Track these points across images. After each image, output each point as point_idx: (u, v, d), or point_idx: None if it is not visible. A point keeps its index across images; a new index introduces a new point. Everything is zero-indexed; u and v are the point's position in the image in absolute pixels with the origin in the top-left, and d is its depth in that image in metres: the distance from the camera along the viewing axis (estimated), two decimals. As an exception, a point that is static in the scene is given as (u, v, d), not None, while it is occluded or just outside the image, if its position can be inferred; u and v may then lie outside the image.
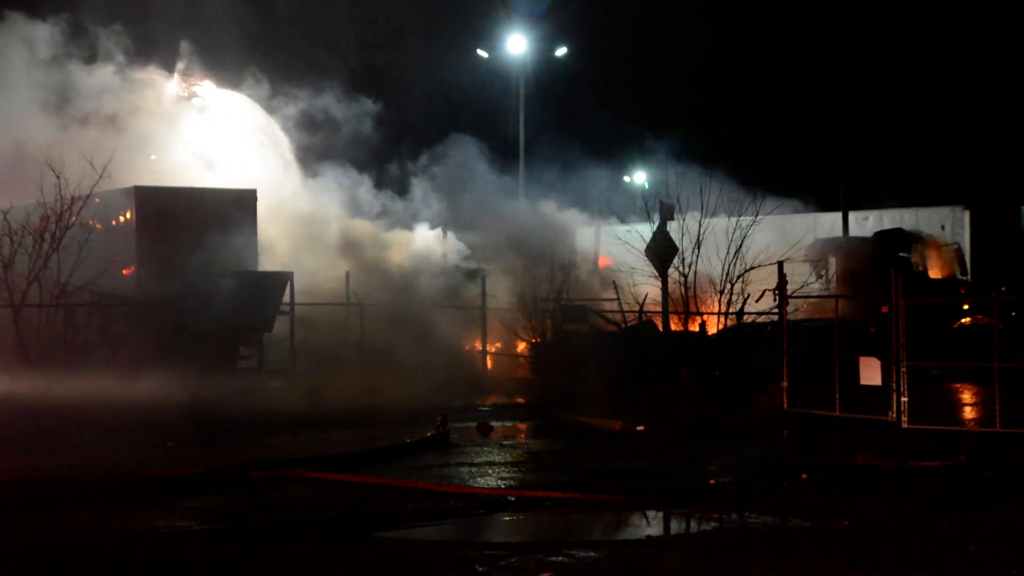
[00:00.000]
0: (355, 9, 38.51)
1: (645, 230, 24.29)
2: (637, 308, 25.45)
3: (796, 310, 22.25)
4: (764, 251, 22.62)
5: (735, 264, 22.76)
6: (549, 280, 26.32)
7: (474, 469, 15.74)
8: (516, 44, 43.11)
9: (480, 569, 10.23)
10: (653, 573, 10.18)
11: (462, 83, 44.64)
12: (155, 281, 24.28)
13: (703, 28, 57.65)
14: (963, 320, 27.03)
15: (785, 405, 20.29)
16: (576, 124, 42.25)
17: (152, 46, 30.27)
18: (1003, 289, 27.44)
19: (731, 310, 22.97)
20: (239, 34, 31.71)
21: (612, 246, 28.82)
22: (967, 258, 30.74)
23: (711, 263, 23.21)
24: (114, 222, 25.58)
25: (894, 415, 18.75)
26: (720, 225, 23.37)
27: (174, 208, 24.98)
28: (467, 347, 28.06)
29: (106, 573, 10.32)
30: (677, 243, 23.51)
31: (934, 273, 29.10)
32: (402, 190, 33.85)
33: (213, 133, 30.94)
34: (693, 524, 12.76)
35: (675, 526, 12.98)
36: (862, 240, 31.00)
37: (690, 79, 56.06)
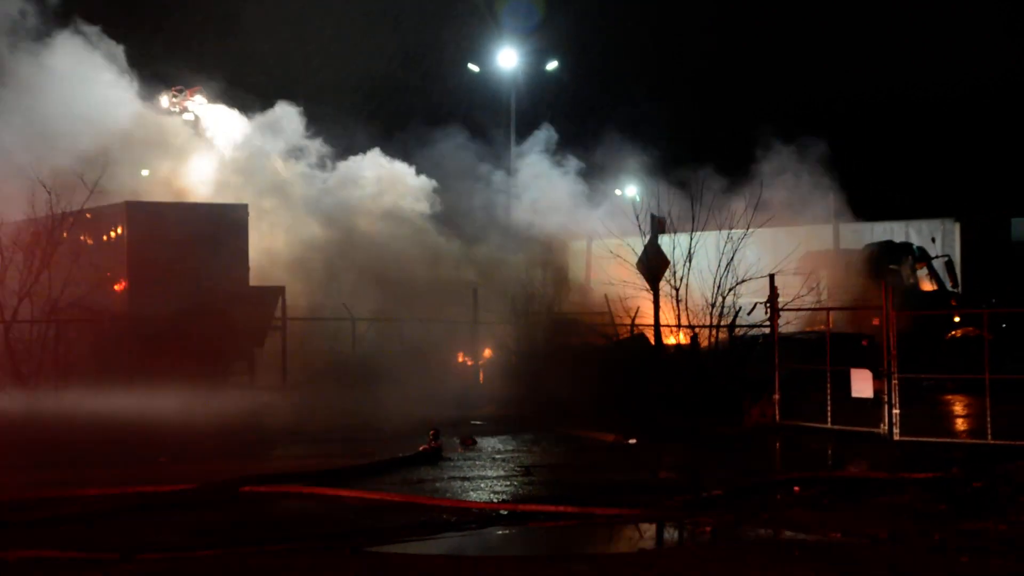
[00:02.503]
0: (349, 21, 38.59)
1: (637, 243, 24.33)
2: (629, 321, 25.47)
3: (788, 323, 22.30)
4: (755, 264, 22.68)
5: (727, 277, 22.81)
6: (541, 293, 26.34)
7: (467, 483, 15.74)
8: (507, 58, 43.19)
9: (473, 583, 10.23)
10: (646, 586, 10.19)
11: (453, 96, 44.70)
12: (146, 296, 24.26)
13: (697, 35, 57.82)
14: (954, 332, 27.08)
15: (777, 417, 20.32)
16: (567, 136, 42.24)
17: (143, 60, 30.30)
18: (993, 301, 27.49)
19: (723, 323, 23.02)
20: (232, 48, 31.76)
21: (604, 259, 28.87)
22: (958, 270, 30.79)
23: (703, 276, 23.26)
24: (105, 237, 25.57)
25: (886, 427, 18.79)
26: (712, 238, 23.43)
27: (165, 223, 24.97)
28: (459, 360, 28.07)
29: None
30: (668, 256, 23.55)
31: (925, 285, 29.13)
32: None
33: (204, 147, 30.96)
34: (686, 537, 12.76)
35: (668, 539, 12.98)
36: (853, 253, 31.05)
37: (684, 87, 56.18)
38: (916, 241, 31.61)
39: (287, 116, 31.53)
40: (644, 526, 13.25)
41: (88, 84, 28.57)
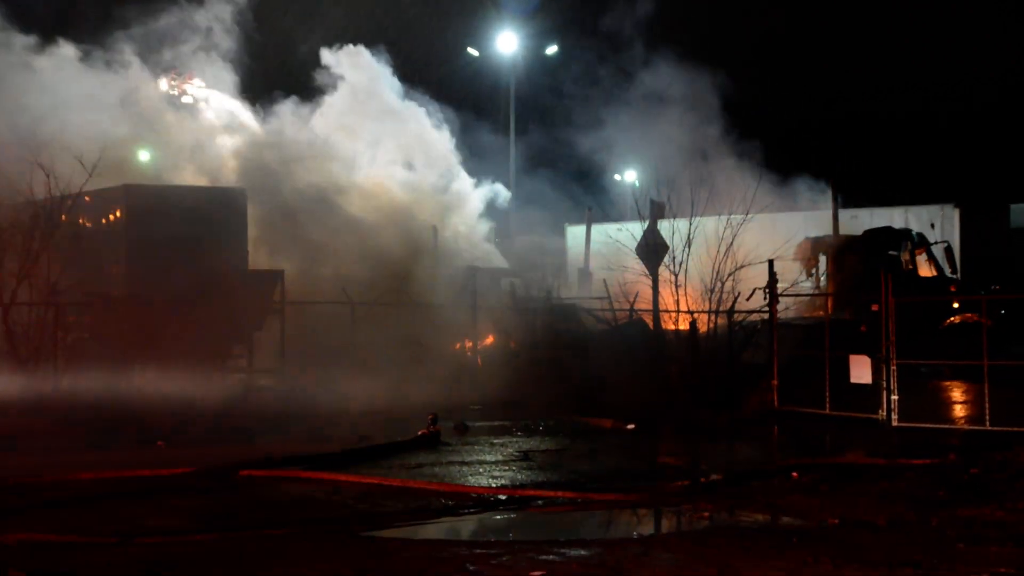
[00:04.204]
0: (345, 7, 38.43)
1: (636, 228, 24.33)
2: (627, 307, 25.45)
3: (786, 308, 22.30)
4: (754, 249, 22.66)
5: (725, 262, 22.80)
6: (540, 279, 26.34)
7: (465, 468, 15.76)
8: (506, 42, 43.10)
9: (471, 568, 10.22)
10: (644, 571, 10.18)
11: (452, 81, 44.63)
12: (145, 279, 24.21)
13: (696, 25, 57.67)
14: (953, 318, 27.05)
15: (775, 403, 20.34)
16: (566, 122, 42.22)
17: (142, 43, 30.16)
18: (993, 287, 27.48)
19: (721, 308, 23.01)
20: (229, 34, 31.57)
21: (603, 244, 28.84)
22: (957, 256, 30.77)
23: (702, 261, 23.25)
24: (104, 220, 25.50)
25: (884, 413, 18.81)
26: (711, 223, 23.40)
27: (164, 206, 24.89)
28: (458, 345, 28.02)
29: (98, 573, 10.30)
30: (667, 241, 23.53)
31: (924, 271, 29.09)
32: None
33: (203, 131, 30.87)
34: (684, 522, 12.78)
35: (666, 524, 13.01)
36: (852, 238, 31.02)
37: (682, 77, 56.04)
38: (915, 227, 31.57)
39: None
40: (642, 511, 13.27)
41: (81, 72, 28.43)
